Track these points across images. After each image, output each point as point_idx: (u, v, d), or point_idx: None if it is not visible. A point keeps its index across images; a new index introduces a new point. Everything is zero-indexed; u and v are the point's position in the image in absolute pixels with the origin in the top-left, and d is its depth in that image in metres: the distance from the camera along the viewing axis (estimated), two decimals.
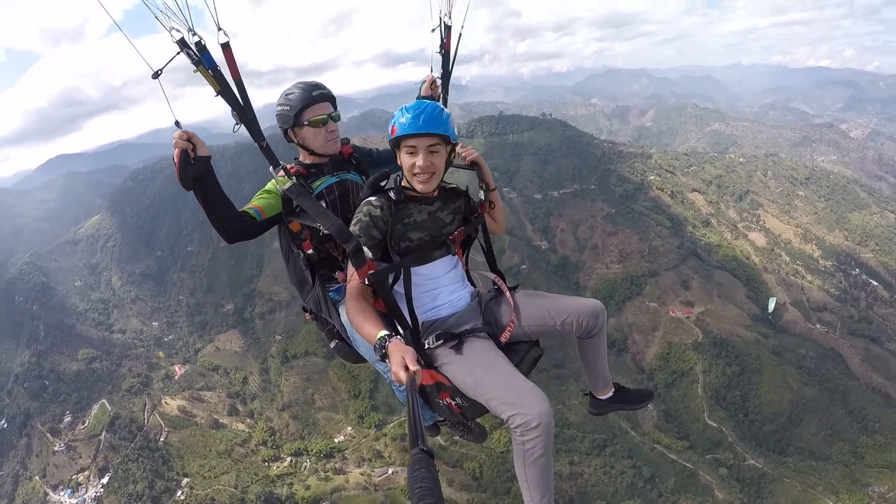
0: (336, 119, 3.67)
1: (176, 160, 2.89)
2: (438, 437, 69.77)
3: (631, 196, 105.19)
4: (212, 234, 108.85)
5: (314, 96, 3.55)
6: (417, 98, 4.19)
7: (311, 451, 69.82)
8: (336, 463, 68.18)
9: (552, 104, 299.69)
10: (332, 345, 3.91)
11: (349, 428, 72.88)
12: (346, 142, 3.93)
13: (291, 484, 65.31)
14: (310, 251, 3.61)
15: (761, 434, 68.22)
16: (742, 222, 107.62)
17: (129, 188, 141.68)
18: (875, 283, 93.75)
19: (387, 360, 2.67)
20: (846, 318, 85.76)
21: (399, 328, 3.18)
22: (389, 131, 3.16)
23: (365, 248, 3.13)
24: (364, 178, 3.82)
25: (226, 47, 3.02)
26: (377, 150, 4.22)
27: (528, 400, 2.74)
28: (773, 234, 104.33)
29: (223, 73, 3.08)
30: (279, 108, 3.58)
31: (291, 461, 69.57)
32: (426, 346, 3.20)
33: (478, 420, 4.28)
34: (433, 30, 4.24)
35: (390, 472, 65.42)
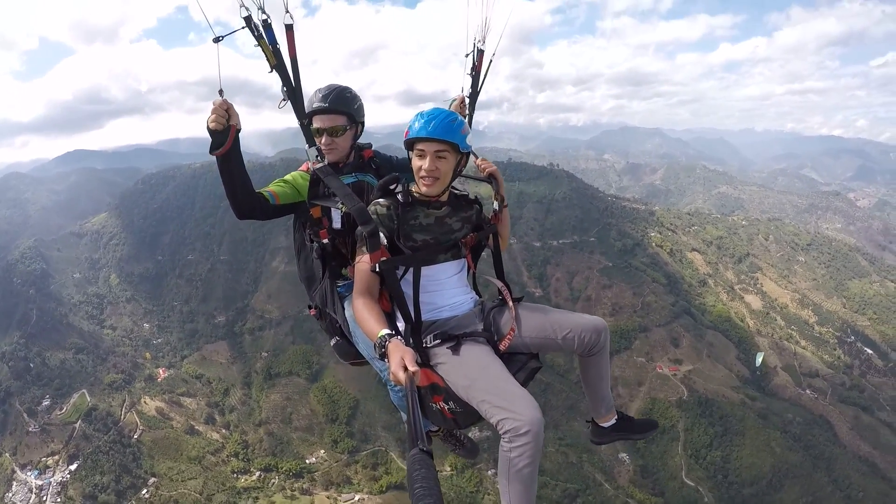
0: (333, 133, 3.72)
1: (211, 126, 3.03)
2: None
3: (630, 251, 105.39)
4: (213, 246, 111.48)
5: (313, 108, 3.69)
6: None
7: (282, 468, 69.97)
8: (304, 483, 68.14)
9: (565, 156, 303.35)
10: (333, 342, 4.03)
11: (322, 451, 72.80)
12: (367, 146, 4.08)
13: (257, 498, 65.59)
14: (325, 241, 3.71)
15: (739, 497, 67.00)
16: (739, 284, 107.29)
17: (140, 191, 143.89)
18: (870, 351, 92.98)
19: (386, 360, 2.72)
20: (838, 385, 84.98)
21: (400, 325, 3.33)
22: (404, 134, 3.32)
23: (381, 234, 3.26)
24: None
25: (289, 29, 3.28)
26: (397, 157, 4.33)
27: (520, 406, 2.76)
28: (770, 298, 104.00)
29: (281, 51, 3.34)
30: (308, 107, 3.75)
31: (260, 476, 69.73)
32: (424, 344, 3.27)
33: (471, 437, 4.61)
34: (467, 54, 4.43)
35: (356, 498, 65.35)
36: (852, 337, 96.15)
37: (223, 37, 2.98)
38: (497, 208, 3.79)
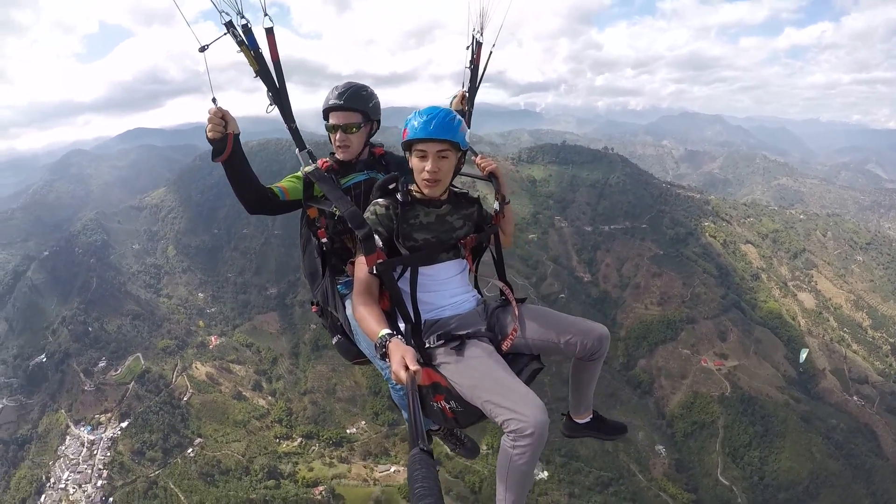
0: (347, 130, 3.76)
1: (209, 135, 3.09)
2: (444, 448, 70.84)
3: (682, 240, 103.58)
4: (268, 221, 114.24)
5: (329, 105, 3.74)
6: None
7: (322, 436, 72.10)
8: (343, 452, 70.15)
9: (622, 141, 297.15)
10: (335, 340, 4.04)
11: (363, 422, 74.48)
12: (380, 144, 4.05)
13: (296, 463, 67.90)
14: (324, 239, 3.70)
15: (774, 500, 65.23)
16: (793, 281, 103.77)
17: (198, 167, 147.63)
18: None
19: (387, 359, 2.72)
20: (887, 393, 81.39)
21: (401, 325, 3.31)
22: (402, 134, 3.26)
23: (376, 236, 3.24)
24: None
25: (269, 32, 3.22)
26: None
27: (525, 406, 2.74)
28: (824, 297, 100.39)
29: (264, 56, 3.29)
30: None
31: (301, 442, 72.05)
32: (426, 344, 3.25)
33: (471, 436, 4.59)
34: (467, 47, 4.32)
35: (392, 469, 66.76)
36: None
37: (208, 46, 3.01)
38: (498, 208, 3.74)
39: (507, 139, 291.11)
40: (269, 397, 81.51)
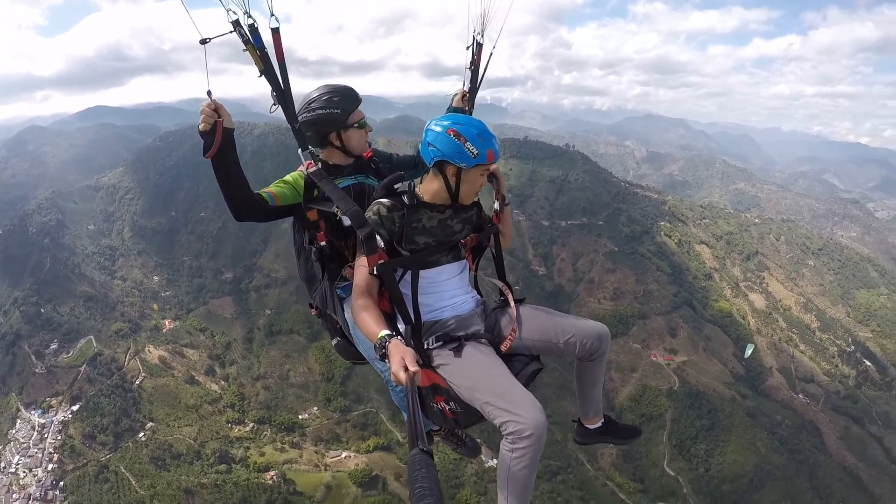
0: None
1: (200, 128, 3.00)
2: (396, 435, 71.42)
3: (637, 238, 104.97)
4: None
5: (359, 99, 3.71)
6: (448, 110, 4.38)
7: (275, 421, 72.24)
8: (295, 437, 70.38)
9: (585, 140, 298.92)
10: (334, 342, 4.01)
11: (315, 408, 74.78)
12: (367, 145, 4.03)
13: (248, 448, 68.07)
14: (323, 243, 3.65)
15: (719, 492, 67.23)
16: (745, 282, 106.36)
17: (157, 148, 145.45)
18: (869, 363, 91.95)
19: (386, 360, 2.70)
20: (832, 393, 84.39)
21: (400, 326, 3.28)
22: (469, 153, 3.14)
23: (377, 237, 3.21)
24: (381, 182, 3.79)
25: (276, 32, 3.18)
26: (398, 155, 4.30)
27: (524, 408, 2.75)
28: (774, 299, 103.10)
29: (269, 55, 3.26)
30: (324, 111, 3.59)
31: (253, 427, 72.14)
32: (426, 345, 3.24)
33: (472, 435, 4.57)
34: (467, 47, 4.30)
35: (343, 455, 67.38)
36: (853, 347, 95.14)
37: (210, 39, 2.96)
38: (498, 208, 3.73)
39: None
40: (222, 382, 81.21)
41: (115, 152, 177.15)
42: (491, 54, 4.39)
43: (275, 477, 62.38)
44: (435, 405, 3.24)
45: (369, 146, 3.98)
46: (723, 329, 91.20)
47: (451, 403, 3.16)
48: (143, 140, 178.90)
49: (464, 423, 3.34)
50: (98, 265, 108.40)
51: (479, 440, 4.68)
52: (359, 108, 3.71)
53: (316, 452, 67.88)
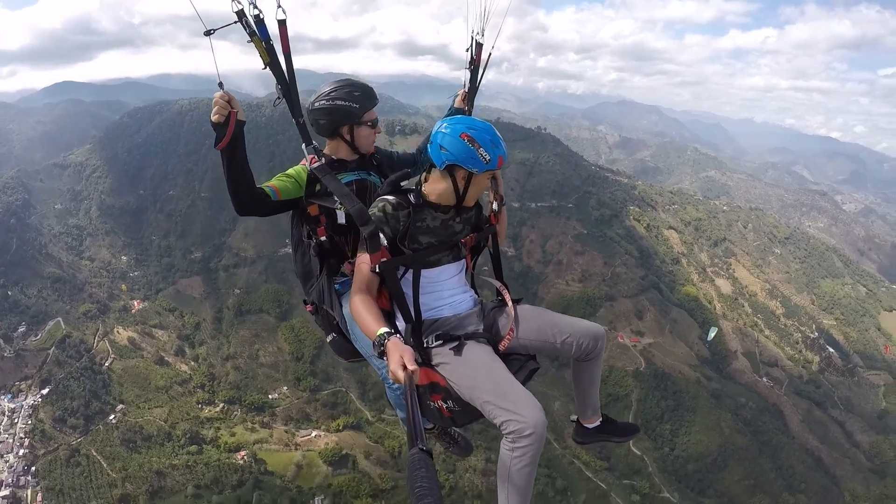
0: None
1: (214, 119, 2.99)
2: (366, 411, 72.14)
3: (606, 221, 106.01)
4: (195, 183, 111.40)
5: (376, 99, 3.75)
6: (450, 110, 4.46)
7: (245, 401, 72.52)
8: (265, 417, 70.86)
9: (559, 123, 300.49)
10: (329, 338, 3.96)
11: (285, 388, 75.06)
12: None
13: (219, 428, 68.13)
14: (323, 238, 3.65)
15: (683, 471, 68.78)
16: (712, 267, 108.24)
17: (126, 125, 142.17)
18: (832, 350, 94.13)
19: (384, 358, 2.70)
20: (795, 377, 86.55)
21: (399, 325, 3.31)
22: (481, 159, 3.18)
23: (381, 235, 3.20)
24: (382, 179, 3.88)
25: (282, 24, 3.16)
26: (398, 153, 4.30)
27: (524, 407, 2.76)
28: (741, 285, 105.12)
29: (275, 47, 3.21)
30: (343, 103, 3.58)
31: (224, 407, 72.27)
32: (425, 344, 3.24)
33: (465, 435, 4.61)
34: (467, 49, 4.29)
35: (313, 434, 67.93)
36: (816, 333, 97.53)
37: (214, 30, 2.91)
38: (496, 208, 3.73)
39: (444, 112, 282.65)
40: (192, 363, 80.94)
41: (83, 129, 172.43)
42: (490, 54, 4.41)
43: (245, 457, 62.80)
44: (432, 403, 3.25)
45: None
46: (689, 312, 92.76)
47: (449, 402, 3.18)
48: (111, 116, 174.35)
49: (460, 422, 3.34)
50: (65, 245, 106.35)
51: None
52: (374, 107, 3.74)
53: (286, 432, 68.33)
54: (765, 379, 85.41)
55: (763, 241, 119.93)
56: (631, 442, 70.03)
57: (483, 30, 4.21)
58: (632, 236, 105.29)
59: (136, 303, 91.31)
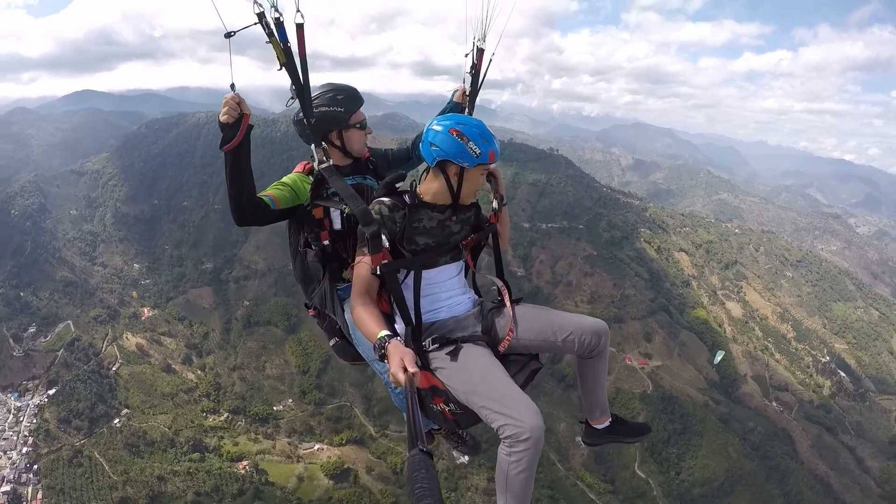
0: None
1: (223, 119, 3.02)
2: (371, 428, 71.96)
3: (617, 243, 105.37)
4: (209, 195, 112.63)
5: (361, 100, 3.74)
6: (448, 104, 4.51)
7: (249, 412, 72.59)
8: (269, 429, 70.81)
9: (572, 145, 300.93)
10: (332, 342, 3.97)
11: (290, 400, 75.02)
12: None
13: (222, 437, 68.29)
14: (326, 242, 3.65)
15: (689, 495, 67.44)
16: (723, 290, 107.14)
17: (143, 135, 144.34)
18: (843, 374, 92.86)
19: (385, 361, 2.70)
20: (805, 402, 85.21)
21: (398, 327, 3.29)
22: (471, 153, 3.15)
23: (383, 236, 3.18)
24: (379, 182, 3.83)
25: (300, 28, 3.15)
26: (392, 151, 4.32)
27: (521, 412, 2.72)
28: (751, 308, 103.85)
29: (292, 49, 3.22)
30: (327, 108, 3.59)
31: (228, 417, 72.52)
32: (423, 347, 3.22)
33: (472, 434, 4.51)
34: (466, 54, 4.32)
35: (316, 447, 67.89)
36: (828, 358, 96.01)
37: (235, 32, 2.93)
38: (496, 207, 3.69)
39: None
40: (199, 371, 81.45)
41: (101, 138, 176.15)
42: (491, 60, 4.41)
43: (247, 466, 62.83)
44: (434, 406, 3.23)
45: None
46: (698, 335, 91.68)
47: (451, 405, 3.15)
48: (129, 126, 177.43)
49: (464, 424, 3.32)
50: (79, 250, 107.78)
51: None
52: (360, 109, 3.75)
53: (289, 444, 68.26)
54: (774, 403, 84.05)
55: (775, 264, 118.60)
56: (636, 465, 69.53)
57: (485, 35, 4.22)
58: (642, 258, 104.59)
59: (146, 310, 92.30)
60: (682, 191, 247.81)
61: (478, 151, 3.12)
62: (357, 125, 3.71)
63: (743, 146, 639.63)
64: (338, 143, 3.70)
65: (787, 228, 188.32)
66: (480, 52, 4.30)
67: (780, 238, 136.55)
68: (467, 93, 4.48)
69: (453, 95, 4.53)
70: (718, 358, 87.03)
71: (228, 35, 2.91)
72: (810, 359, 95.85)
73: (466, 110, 4.45)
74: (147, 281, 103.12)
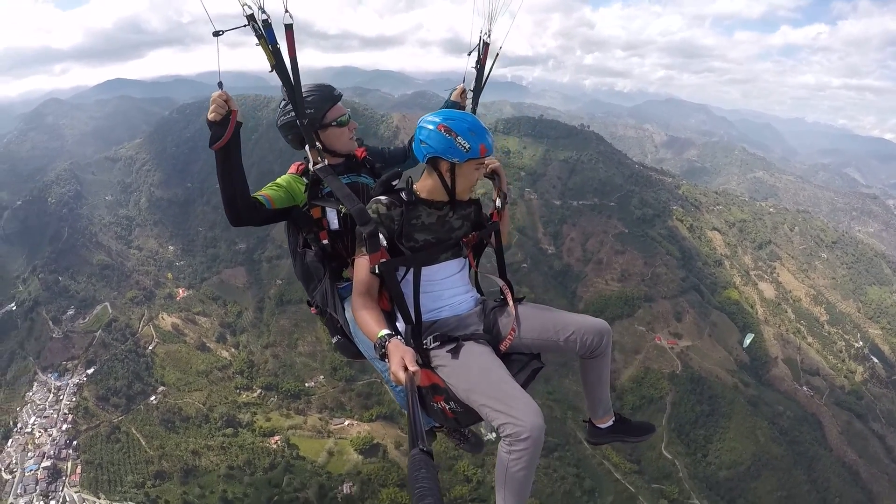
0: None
1: (210, 118, 3.02)
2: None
3: (648, 220, 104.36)
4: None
5: (335, 95, 3.69)
6: (446, 103, 4.49)
7: (282, 388, 73.77)
8: (300, 404, 71.91)
9: (604, 122, 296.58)
10: (335, 340, 4.00)
11: (321, 376, 76.05)
12: (360, 143, 4.00)
13: (255, 413, 69.50)
14: (325, 241, 3.65)
15: (714, 478, 67.02)
16: (755, 270, 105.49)
17: (175, 120, 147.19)
18: (876, 360, 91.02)
19: (386, 360, 2.72)
20: (836, 387, 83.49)
21: (399, 326, 3.29)
22: (460, 148, 3.16)
23: (380, 235, 3.19)
24: (375, 180, 3.88)
25: (289, 28, 3.13)
26: (389, 149, 4.30)
27: (521, 411, 2.73)
28: (784, 289, 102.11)
29: (282, 51, 3.21)
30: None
31: (261, 393, 73.75)
32: (424, 345, 3.23)
33: (475, 431, 4.62)
34: (469, 52, 4.30)
35: (346, 423, 68.85)
36: (861, 342, 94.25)
37: (223, 31, 2.94)
38: (499, 205, 3.68)
39: (489, 109, 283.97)
40: (232, 349, 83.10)
41: (134, 124, 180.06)
42: (497, 55, 4.41)
43: (279, 441, 64.01)
44: (435, 404, 3.24)
45: (362, 144, 4.02)
46: (729, 316, 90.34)
47: (451, 403, 3.16)
48: (160, 112, 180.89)
49: (464, 423, 3.33)
50: (115, 234, 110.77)
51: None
52: (338, 105, 3.72)
53: (320, 419, 69.30)
54: (805, 388, 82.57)
55: (809, 245, 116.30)
56: (663, 446, 69.29)
57: (490, 30, 4.21)
58: (674, 237, 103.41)
59: (180, 291, 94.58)
60: (717, 168, 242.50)
61: (467, 146, 3.14)
62: (333, 123, 3.69)
63: (779, 123, 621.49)
64: (318, 144, 3.64)
65: (823, 208, 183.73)
66: (486, 46, 4.29)
67: (816, 218, 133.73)
68: (470, 89, 4.49)
69: (451, 94, 4.54)
70: (748, 341, 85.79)
71: (217, 34, 2.94)
72: (843, 343, 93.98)
73: (469, 107, 4.46)
74: (182, 262, 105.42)
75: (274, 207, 3.47)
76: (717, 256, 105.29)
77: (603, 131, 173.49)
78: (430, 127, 3.19)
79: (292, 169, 3.75)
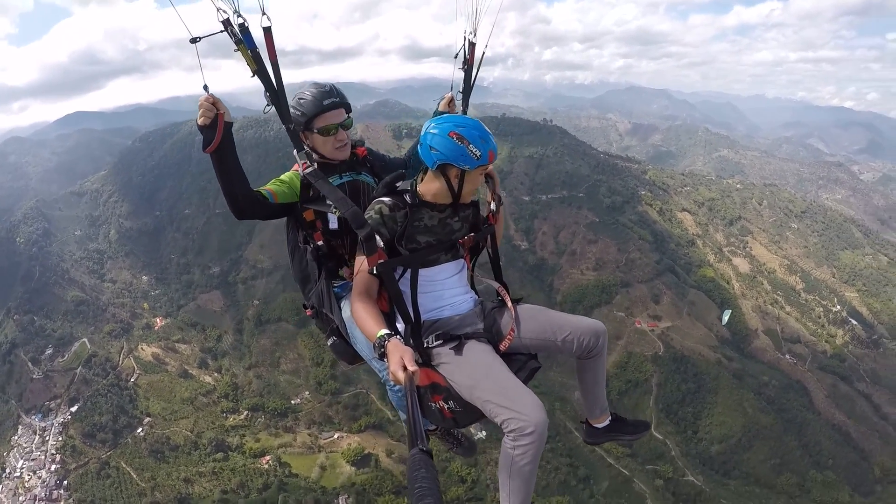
0: (347, 126, 3.70)
1: (200, 122, 2.99)
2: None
3: (618, 208, 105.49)
4: (209, 200, 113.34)
5: (325, 105, 3.58)
6: (434, 114, 4.22)
7: (268, 408, 73.37)
8: (288, 422, 71.61)
9: (568, 115, 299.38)
10: (329, 342, 3.90)
11: (307, 392, 75.84)
12: (360, 143, 3.96)
13: (243, 435, 69.10)
14: (320, 242, 3.65)
15: (707, 453, 68.05)
16: (728, 247, 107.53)
17: (138, 149, 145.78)
18: (855, 322, 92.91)
19: (385, 360, 2.70)
20: (818, 352, 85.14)
21: (399, 326, 3.30)
22: (472, 156, 3.14)
23: (377, 237, 3.20)
24: (377, 179, 3.86)
25: (267, 31, 3.09)
26: (390, 156, 4.26)
27: (525, 406, 2.76)
28: (758, 262, 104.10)
29: (262, 55, 3.16)
30: (292, 109, 3.56)
31: (248, 415, 73.26)
32: (426, 344, 3.24)
33: (467, 435, 4.64)
34: (455, 55, 4.25)
35: (336, 436, 68.82)
36: (839, 307, 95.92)
37: (200, 38, 2.89)
38: (494, 209, 3.69)
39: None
40: (215, 374, 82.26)
41: (97, 157, 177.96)
42: (483, 53, 4.31)
43: (270, 461, 63.75)
44: (433, 404, 3.24)
45: (362, 145, 3.98)
46: (706, 294, 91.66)
47: (450, 402, 3.16)
48: (123, 142, 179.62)
49: (462, 423, 3.32)
50: (87, 269, 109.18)
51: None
52: (328, 113, 3.59)
53: (309, 435, 69.09)
54: (787, 356, 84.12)
55: (779, 217, 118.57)
56: (653, 427, 68.83)
57: (475, 30, 4.16)
58: (645, 221, 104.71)
59: (158, 320, 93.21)
60: (682, 151, 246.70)
61: (478, 154, 3.13)
62: (316, 130, 3.61)
63: (740, 101, 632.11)
64: (307, 143, 3.68)
65: (790, 180, 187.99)
66: (472, 46, 4.23)
67: (784, 190, 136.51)
68: (460, 91, 4.41)
69: (438, 105, 4.44)
70: (726, 317, 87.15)
71: (194, 41, 2.88)
72: (821, 309, 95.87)
73: (459, 110, 4.38)
74: (157, 291, 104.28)
75: (277, 202, 3.50)
76: (689, 237, 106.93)
77: (567, 124, 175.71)
78: (441, 134, 3.16)
79: (295, 167, 3.72)
